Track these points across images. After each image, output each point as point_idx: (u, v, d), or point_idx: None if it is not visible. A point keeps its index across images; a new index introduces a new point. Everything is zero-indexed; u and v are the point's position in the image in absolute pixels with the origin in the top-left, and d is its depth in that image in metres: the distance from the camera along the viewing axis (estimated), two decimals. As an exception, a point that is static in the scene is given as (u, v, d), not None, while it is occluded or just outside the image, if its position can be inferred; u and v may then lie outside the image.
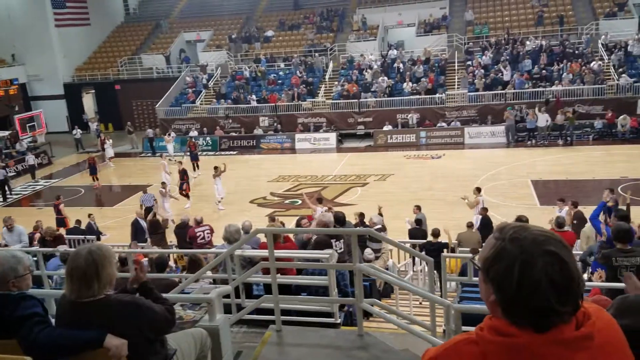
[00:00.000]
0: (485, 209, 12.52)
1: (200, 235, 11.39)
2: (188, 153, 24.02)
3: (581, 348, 1.30)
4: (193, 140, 25.08)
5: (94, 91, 37.34)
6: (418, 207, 13.16)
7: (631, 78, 24.59)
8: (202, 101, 31.35)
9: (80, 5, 37.33)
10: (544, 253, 1.29)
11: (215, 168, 17.98)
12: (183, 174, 19.01)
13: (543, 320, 1.29)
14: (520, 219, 7.73)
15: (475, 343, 1.35)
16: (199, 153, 25.00)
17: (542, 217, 11.70)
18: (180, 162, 20.59)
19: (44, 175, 25.97)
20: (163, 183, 18.17)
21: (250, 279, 5.07)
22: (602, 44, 27.53)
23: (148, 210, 17.36)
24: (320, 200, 15.96)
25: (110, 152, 26.65)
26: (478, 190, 14.20)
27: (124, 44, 38.95)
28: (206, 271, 4.91)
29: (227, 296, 4.75)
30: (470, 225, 10.93)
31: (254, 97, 29.82)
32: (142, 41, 38.99)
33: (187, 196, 18.94)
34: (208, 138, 28.50)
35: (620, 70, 25.21)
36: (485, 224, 11.55)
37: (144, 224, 13.65)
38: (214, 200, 18.38)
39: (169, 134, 26.96)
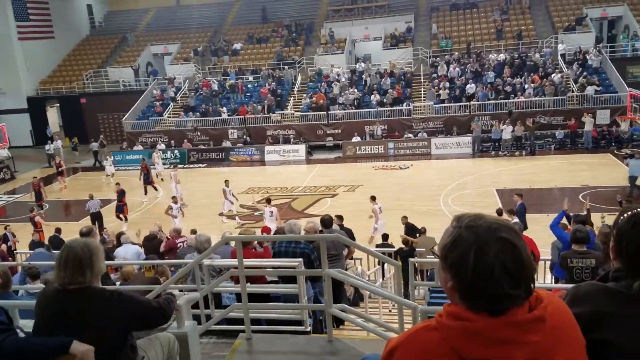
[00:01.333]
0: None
1: (180, 246, 11.23)
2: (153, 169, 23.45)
3: (534, 330, 1.37)
4: (145, 161, 22.57)
5: (58, 105, 36.58)
6: (520, 195, 13.87)
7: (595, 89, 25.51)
8: (169, 114, 31.07)
9: (44, 18, 36.63)
10: (497, 240, 1.36)
11: (225, 181, 18.23)
12: (121, 195, 18.06)
13: (497, 305, 1.36)
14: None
15: (435, 329, 1.41)
16: (168, 166, 24.75)
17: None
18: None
19: (7, 190, 25.24)
20: (173, 197, 17.52)
21: (219, 288, 5.05)
22: (561, 56, 28.53)
23: (94, 216, 16.91)
24: (269, 201, 16.16)
25: (110, 169, 25.15)
26: (373, 198, 15.08)
27: (89, 57, 38.36)
28: (174, 281, 4.87)
29: (198, 308, 4.73)
30: (424, 231, 11.42)
31: (224, 109, 29.73)
32: (108, 54, 38.48)
33: (124, 218, 18.18)
34: (176, 151, 28.23)
35: (584, 80, 26.07)
36: (411, 228, 12.35)
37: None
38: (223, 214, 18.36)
39: (158, 149, 26.14)
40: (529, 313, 1.38)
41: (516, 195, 14.12)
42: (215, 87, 31.74)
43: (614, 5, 31.54)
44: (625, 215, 1.76)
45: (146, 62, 36.59)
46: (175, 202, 16.86)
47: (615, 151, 23.02)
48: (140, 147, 29.22)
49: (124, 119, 30.86)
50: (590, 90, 25.32)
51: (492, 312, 1.36)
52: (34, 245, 13.21)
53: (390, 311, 8.94)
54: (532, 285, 1.40)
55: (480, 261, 1.35)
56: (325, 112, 28.05)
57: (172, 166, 23.70)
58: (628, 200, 13.53)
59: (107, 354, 2.62)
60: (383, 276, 10.72)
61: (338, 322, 6.84)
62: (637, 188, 16.87)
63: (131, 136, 30.10)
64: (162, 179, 23.69)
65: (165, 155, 28.18)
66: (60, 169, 24.25)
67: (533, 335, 1.36)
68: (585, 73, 26.86)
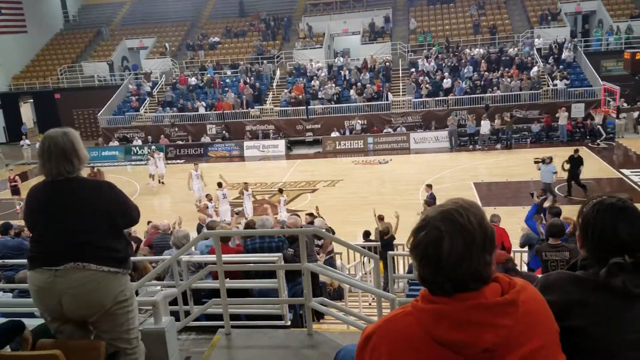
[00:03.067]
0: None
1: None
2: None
3: (505, 314, 1.39)
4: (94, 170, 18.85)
5: (32, 100, 35.80)
6: (429, 186, 14.47)
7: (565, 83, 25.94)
8: (146, 109, 30.67)
9: (16, 12, 35.77)
10: (433, 228, 1.43)
11: (245, 183, 17.31)
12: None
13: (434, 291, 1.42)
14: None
15: (410, 314, 1.44)
16: (145, 163, 24.27)
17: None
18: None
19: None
20: (208, 195, 16.25)
21: (198, 284, 5.01)
22: (537, 51, 28.92)
23: None
24: (281, 191, 16.64)
25: (161, 167, 22.04)
26: (280, 191, 16.33)
27: (63, 52, 37.60)
28: (151, 278, 4.81)
29: (177, 305, 4.68)
30: (382, 218, 11.82)
31: (203, 103, 29.45)
32: (83, 49, 37.77)
33: None
34: (153, 147, 27.86)
35: (557, 74, 26.48)
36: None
37: None
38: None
39: (154, 152, 22.95)
40: (500, 297, 1.41)
41: (426, 186, 14.41)
42: (192, 81, 31.41)
43: (588, 0, 32.06)
44: (589, 203, 1.79)
45: (121, 57, 36.02)
46: (210, 200, 15.70)
47: (590, 144, 23.47)
48: (116, 143, 28.84)
49: (99, 114, 30.37)
50: (560, 84, 25.74)
51: (453, 293, 1.40)
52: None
53: (370, 304, 8.99)
54: (467, 273, 1.40)
55: (426, 251, 1.42)
56: (304, 107, 28.00)
57: (193, 164, 20.13)
58: (542, 196, 13.88)
59: (103, 239, 2.72)
60: (363, 270, 10.78)
61: (319, 316, 6.85)
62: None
63: (107, 132, 29.66)
64: (162, 182, 22.12)
65: (142, 151, 27.83)
66: (14, 186, 19.44)
67: (504, 319, 1.38)
68: (560, 67, 27.30)
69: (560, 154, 22.41)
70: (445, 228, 1.40)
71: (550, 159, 15.71)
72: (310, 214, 11.73)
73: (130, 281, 2.96)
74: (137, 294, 4.53)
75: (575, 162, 16.29)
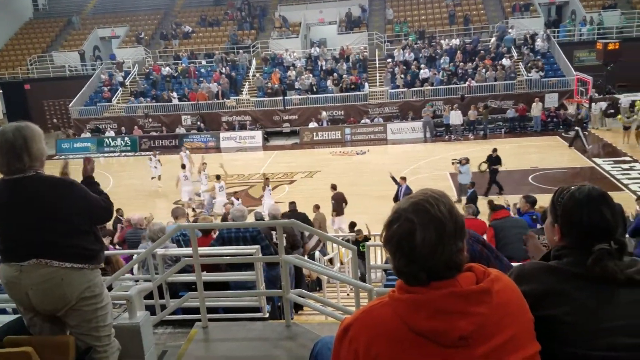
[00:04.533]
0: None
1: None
2: None
3: (479, 301, 1.41)
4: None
5: (1, 91, 34.75)
6: (403, 178, 14.49)
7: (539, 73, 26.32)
8: (118, 100, 30.11)
9: (-18, -1, 34.68)
10: (405, 220, 1.45)
11: (266, 179, 16.76)
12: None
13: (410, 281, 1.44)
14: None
15: (388, 304, 1.46)
16: (118, 154, 23.91)
17: (458, 207, 12.24)
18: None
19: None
20: (218, 176, 16.62)
21: (174, 278, 4.93)
22: (512, 41, 29.23)
23: None
24: (218, 177, 16.60)
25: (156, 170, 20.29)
26: (266, 179, 16.73)
27: (33, 42, 36.58)
28: (125, 272, 4.72)
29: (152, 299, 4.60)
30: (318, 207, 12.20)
31: (175, 94, 29.02)
32: (53, 38, 36.81)
33: None
34: (127, 138, 27.43)
35: (529, 65, 26.86)
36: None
37: None
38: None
39: (154, 156, 20.62)
40: (475, 285, 1.44)
41: (400, 179, 14.60)
42: (166, 71, 30.91)
43: (562, -9, 32.54)
44: (564, 194, 1.79)
45: (93, 46, 35.23)
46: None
47: (563, 133, 23.89)
48: (88, 135, 28.29)
49: (70, 105, 29.70)
50: (534, 74, 26.11)
51: (428, 282, 1.42)
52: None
53: (348, 294, 9.01)
54: (431, 264, 1.42)
55: (400, 242, 1.45)
56: (281, 98, 27.83)
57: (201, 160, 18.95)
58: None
59: (65, 237, 2.66)
60: (341, 261, 10.80)
61: (297, 307, 6.83)
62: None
63: (78, 123, 29.05)
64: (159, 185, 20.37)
65: (115, 143, 27.35)
66: None
67: (479, 307, 1.40)
68: (537, 57, 27.66)
69: (535, 144, 22.85)
70: (417, 219, 1.42)
71: (467, 160, 15.82)
72: (291, 202, 11.73)
73: (105, 275, 2.91)
74: (111, 288, 4.43)
75: (494, 162, 16.34)
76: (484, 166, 16.29)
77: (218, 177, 16.87)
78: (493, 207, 7.19)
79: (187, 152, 19.94)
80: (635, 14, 29.33)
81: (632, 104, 22.88)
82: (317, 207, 13.45)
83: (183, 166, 18.00)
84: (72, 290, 2.71)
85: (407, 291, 1.44)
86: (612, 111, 23.28)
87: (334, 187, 15.28)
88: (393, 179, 14.70)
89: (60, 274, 2.68)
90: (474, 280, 1.45)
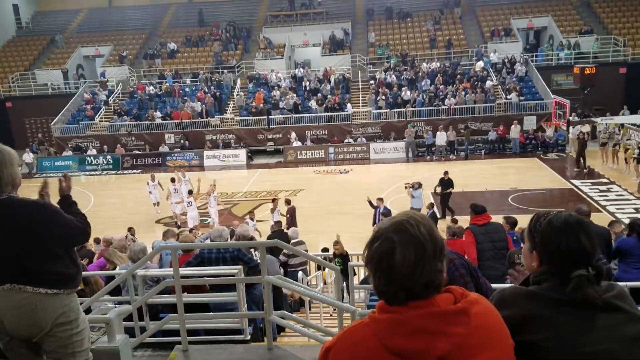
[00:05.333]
0: None
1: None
2: None
3: (457, 322, 1.43)
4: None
5: (-20, 109, 34.36)
6: (380, 199, 14.57)
7: (518, 96, 26.85)
8: (101, 118, 29.93)
9: (-36, 16, 34.39)
10: (386, 239, 1.48)
11: (274, 200, 16.26)
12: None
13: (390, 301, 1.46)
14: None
15: (367, 325, 1.47)
16: (100, 173, 23.54)
17: (441, 226, 12.34)
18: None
19: None
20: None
21: (155, 299, 4.89)
22: (492, 65, 29.84)
23: None
24: (273, 201, 16.24)
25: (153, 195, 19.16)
26: (273, 201, 16.21)
27: (15, 60, 36.28)
28: (104, 294, 4.67)
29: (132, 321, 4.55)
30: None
31: (158, 113, 28.95)
32: (36, 56, 36.58)
33: None
34: (109, 156, 27.22)
35: (511, 85, 27.40)
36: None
37: None
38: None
39: (152, 179, 19.23)
40: (454, 304, 1.45)
41: (377, 200, 14.73)
42: (150, 90, 30.87)
43: (539, 16, 33.36)
44: (541, 221, 1.83)
45: (76, 65, 35.08)
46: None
47: (542, 155, 24.31)
48: (69, 153, 28.02)
49: (52, 123, 29.43)
50: (514, 97, 26.64)
51: (407, 301, 1.44)
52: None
53: (331, 315, 8.98)
54: (414, 283, 1.44)
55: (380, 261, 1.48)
56: (265, 117, 27.94)
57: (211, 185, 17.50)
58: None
59: (39, 261, 2.62)
60: (324, 281, 10.77)
61: (280, 328, 6.79)
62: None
63: (60, 141, 28.77)
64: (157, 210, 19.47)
65: (97, 161, 27.11)
66: None
67: (456, 327, 1.42)
68: (514, 80, 28.24)
69: (514, 165, 23.20)
70: (397, 238, 1.45)
71: (419, 184, 16.02)
72: (278, 222, 11.70)
73: (84, 296, 2.87)
74: (90, 310, 4.38)
75: (446, 185, 16.50)
76: (438, 189, 16.41)
77: (190, 192, 17.17)
78: (476, 210, 6.89)
79: (187, 177, 19.10)
80: (611, 39, 30.20)
81: (607, 127, 23.40)
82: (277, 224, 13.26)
83: (172, 179, 18.18)
84: (46, 317, 2.67)
85: (386, 311, 1.45)
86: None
87: (288, 201, 15.75)
88: (370, 203, 14.81)
89: (34, 299, 2.64)
90: (452, 301, 1.46)
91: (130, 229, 13.60)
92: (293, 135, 27.18)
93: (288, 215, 15.31)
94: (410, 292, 1.44)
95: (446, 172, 16.74)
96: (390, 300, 1.46)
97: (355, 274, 8.27)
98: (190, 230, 12.73)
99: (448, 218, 15.75)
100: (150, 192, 19.01)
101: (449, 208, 16.53)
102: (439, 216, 15.74)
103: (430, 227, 1.49)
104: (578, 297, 1.67)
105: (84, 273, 6.89)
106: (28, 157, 26.54)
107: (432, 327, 1.41)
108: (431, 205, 14.87)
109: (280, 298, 7.23)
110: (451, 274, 3.32)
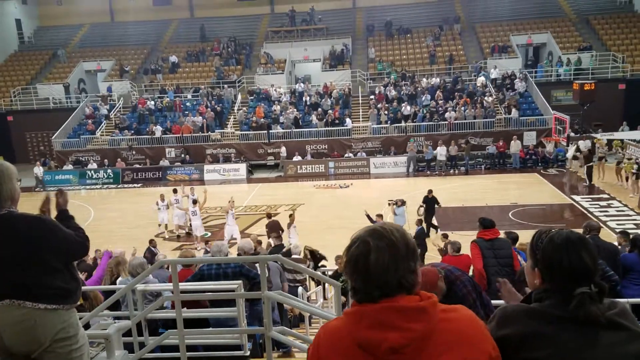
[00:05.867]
0: None
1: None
2: None
3: (415, 319, 1.51)
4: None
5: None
6: (380, 216, 14.35)
7: (518, 112, 26.97)
8: (102, 132, 30.04)
9: (-32, 31, 34.68)
10: (362, 242, 1.60)
11: (290, 215, 15.94)
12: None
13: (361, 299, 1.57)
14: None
15: (340, 318, 1.62)
16: (100, 187, 23.56)
17: (441, 242, 12.30)
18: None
19: None
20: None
21: (154, 314, 4.86)
22: (491, 81, 30.02)
23: None
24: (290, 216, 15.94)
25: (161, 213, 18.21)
26: (290, 217, 15.85)
27: (17, 74, 36.53)
28: (103, 309, 4.64)
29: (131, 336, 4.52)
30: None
31: (158, 127, 29.04)
32: (38, 70, 36.82)
33: None
34: (109, 170, 27.26)
35: (511, 100, 27.54)
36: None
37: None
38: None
39: (162, 200, 18.36)
40: (416, 302, 1.54)
41: (377, 216, 14.65)
42: (151, 105, 31.01)
43: (538, 33, 33.64)
44: (542, 238, 1.84)
45: (78, 79, 35.30)
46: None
47: (542, 170, 24.34)
48: (70, 167, 28.06)
49: (53, 137, 29.53)
50: (514, 112, 26.75)
51: (378, 299, 1.54)
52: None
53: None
54: (388, 285, 1.54)
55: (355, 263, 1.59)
56: (266, 132, 28.04)
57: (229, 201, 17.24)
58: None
59: (38, 277, 2.60)
60: (324, 297, 10.71)
61: (280, 343, 6.74)
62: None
63: (61, 155, 28.83)
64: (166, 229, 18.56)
65: (97, 175, 27.14)
66: None
67: (414, 324, 1.51)
68: (512, 94, 28.38)
69: (514, 180, 23.22)
70: (372, 241, 1.56)
71: (403, 201, 15.97)
72: (277, 237, 11.68)
73: (83, 311, 2.86)
74: (88, 326, 4.36)
75: (430, 203, 16.37)
76: (421, 210, 16.26)
77: (195, 202, 17.20)
78: (484, 223, 6.77)
79: (196, 195, 18.43)
80: (610, 56, 30.42)
81: (608, 143, 23.45)
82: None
83: (174, 190, 18.34)
84: (45, 332, 2.65)
85: (357, 304, 1.58)
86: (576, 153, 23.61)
87: (269, 215, 16.11)
88: (368, 217, 14.77)
89: (33, 315, 2.63)
90: (416, 301, 1.55)
91: (151, 241, 13.64)
92: (283, 149, 27.23)
93: (267, 229, 15.21)
94: (384, 291, 1.54)
95: (430, 191, 16.55)
96: (363, 298, 1.56)
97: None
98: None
99: (432, 236, 15.77)
100: (159, 209, 18.18)
101: (433, 225, 16.43)
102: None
103: (402, 232, 1.61)
104: (581, 315, 1.67)
105: (83, 287, 6.86)
106: (38, 170, 26.38)
107: (388, 321, 1.51)
108: (419, 222, 14.79)
109: (283, 314, 7.20)
110: (459, 291, 3.31)
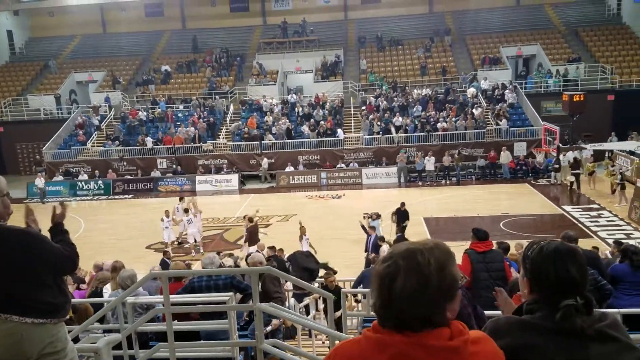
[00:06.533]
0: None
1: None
2: None
3: (444, 358, 1.41)
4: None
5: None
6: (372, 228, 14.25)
7: (507, 122, 27.18)
8: (93, 143, 29.91)
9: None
10: (393, 262, 1.47)
11: (301, 228, 15.26)
12: None
13: (403, 324, 1.42)
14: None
15: (358, 342, 1.48)
16: (91, 198, 23.33)
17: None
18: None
19: None
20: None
21: (144, 327, 4.81)
22: (482, 92, 30.26)
23: None
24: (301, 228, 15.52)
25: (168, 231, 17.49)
26: (301, 229, 15.31)
27: (8, 85, 36.36)
28: (93, 322, 4.59)
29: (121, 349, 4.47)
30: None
31: (149, 138, 28.94)
32: (29, 82, 36.68)
33: None
34: (100, 181, 27.11)
35: (501, 111, 27.77)
36: None
37: None
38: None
39: (167, 216, 17.63)
40: (447, 341, 1.42)
41: (370, 228, 14.50)
42: (143, 116, 30.94)
43: (528, 45, 34.01)
44: (533, 248, 1.85)
45: (69, 90, 35.20)
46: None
47: (532, 181, 24.48)
48: (60, 178, 27.88)
49: (44, 148, 29.35)
50: (503, 123, 26.95)
51: (401, 329, 1.42)
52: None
53: (323, 343, 8.87)
54: (431, 310, 1.42)
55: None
56: (258, 142, 28.04)
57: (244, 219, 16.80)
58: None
59: (26, 290, 2.58)
60: (317, 308, 10.65)
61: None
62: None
63: (51, 166, 28.65)
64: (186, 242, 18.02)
65: (88, 186, 26.96)
66: None
67: None
68: (502, 105, 28.62)
69: (505, 191, 23.34)
70: (403, 264, 1.42)
71: (378, 215, 15.92)
72: (271, 247, 11.65)
73: (72, 324, 2.82)
74: (78, 339, 4.31)
75: (402, 216, 16.30)
76: (394, 217, 16.24)
77: (186, 211, 17.22)
78: (478, 235, 6.66)
79: (199, 216, 18.17)
80: (599, 67, 30.80)
81: (595, 155, 23.64)
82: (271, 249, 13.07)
83: (186, 210, 17.68)
84: (32, 347, 2.62)
85: (378, 331, 1.45)
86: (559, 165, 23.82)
87: (250, 219, 15.73)
88: (363, 227, 14.76)
89: (20, 329, 2.60)
90: (447, 337, 1.42)
91: (165, 253, 13.54)
92: (265, 160, 27.19)
93: (247, 234, 15.31)
94: (405, 323, 1.41)
95: (402, 204, 16.44)
96: (384, 322, 1.45)
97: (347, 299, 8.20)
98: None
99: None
100: (165, 228, 17.38)
101: (405, 239, 16.39)
102: None
103: (442, 262, 1.44)
104: (566, 327, 1.67)
105: (72, 300, 6.77)
106: (40, 182, 26.00)
107: (417, 357, 1.39)
108: (402, 229, 14.80)
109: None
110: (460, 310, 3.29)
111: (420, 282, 1.40)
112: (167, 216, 17.63)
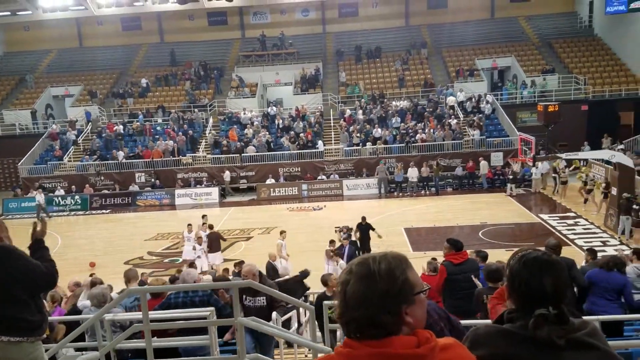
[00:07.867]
0: None
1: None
2: None
3: None
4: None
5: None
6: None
7: (481, 133, 27.59)
8: (70, 158, 29.47)
9: None
10: (349, 270, 1.53)
11: (331, 242, 14.61)
12: None
13: (364, 330, 1.44)
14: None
15: (330, 359, 1.50)
16: (68, 213, 22.86)
17: (416, 262, 12.38)
18: None
19: None
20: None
21: (123, 345, 4.74)
22: (458, 104, 30.69)
23: None
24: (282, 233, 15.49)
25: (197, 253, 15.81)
26: (281, 233, 15.60)
27: (-19, 99, 35.74)
28: (70, 340, 4.50)
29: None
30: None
31: (122, 152, 28.53)
32: (4, 96, 36.07)
33: None
34: (77, 197, 26.68)
35: (477, 120, 28.17)
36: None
37: None
38: None
39: (188, 231, 16.75)
40: (414, 349, 1.42)
41: (344, 239, 14.61)
42: (120, 129, 30.62)
43: (503, 57, 34.65)
44: (515, 256, 1.89)
45: (45, 105, 34.71)
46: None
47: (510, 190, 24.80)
48: (35, 194, 27.33)
49: (19, 163, 28.82)
50: (476, 133, 27.33)
51: (361, 339, 1.44)
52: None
53: (306, 356, 8.81)
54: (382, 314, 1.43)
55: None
56: (238, 155, 27.95)
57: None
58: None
59: (2, 307, 2.54)
60: (299, 321, 10.59)
61: None
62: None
63: (27, 182, 28.12)
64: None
65: (65, 202, 26.49)
66: None
67: None
68: (479, 116, 29.05)
69: (483, 200, 23.61)
70: (355, 271, 1.48)
71: (349, 228, 15.83)
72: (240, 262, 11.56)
73: (49, 342, 2.77)
74: (55, 358, 4.22)
75: (363, 230, 16.12)
76: (357, 235, 16.12)
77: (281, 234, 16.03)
78: (456, 246, 6.71)
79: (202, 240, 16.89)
80: (572, 78, 31.50)
81: (569, 163, 24.05)
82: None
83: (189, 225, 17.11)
84: None
85: (346, 345, 1.46)
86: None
87: (211, 226, 16.48)
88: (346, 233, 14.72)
89: None
90: (413, 345, 1.42)
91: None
92: (227, 173, 27.03)
93: (208, 240, 15.38)
94: (357, 327, 1.43)
95: (364, 218, 16.25)
96: (348, 333, 1.47)
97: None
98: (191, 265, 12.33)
99: None
100: (198, 257, 15.56)
101: (356, 247, 16.32)
102: None
103: (392, 266, 1.46)
104: (538, 336, 1.69)
105: (50, 318, 6.63)
106: (40, 197, 25.19)
107: None
108: (354, 242, 14.84)
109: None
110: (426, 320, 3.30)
111: (368, 285, 1.44)
112: (190, 232, 16.52)
